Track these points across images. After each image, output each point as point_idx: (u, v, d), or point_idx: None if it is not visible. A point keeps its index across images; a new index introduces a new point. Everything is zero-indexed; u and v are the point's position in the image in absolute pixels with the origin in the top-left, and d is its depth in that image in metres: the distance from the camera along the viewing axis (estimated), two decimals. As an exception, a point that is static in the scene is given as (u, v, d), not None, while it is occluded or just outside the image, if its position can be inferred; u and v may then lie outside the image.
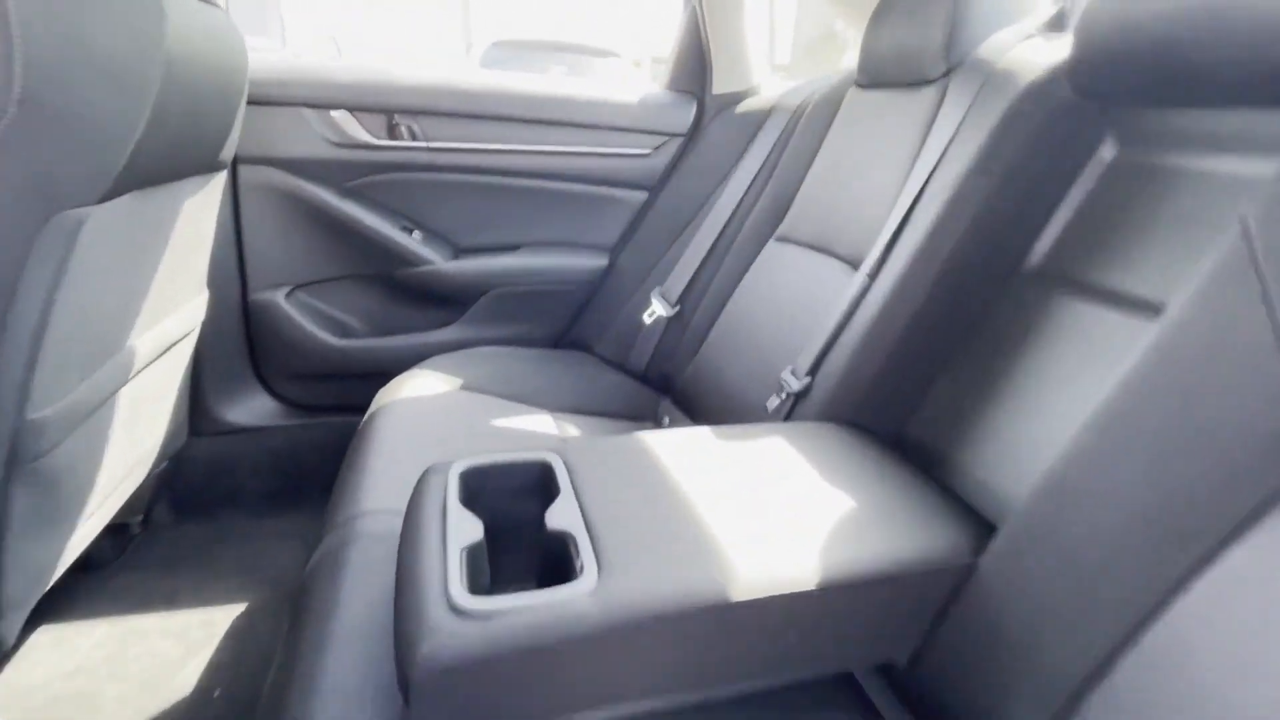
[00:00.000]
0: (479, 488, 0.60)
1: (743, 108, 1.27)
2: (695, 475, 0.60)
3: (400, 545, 0.52)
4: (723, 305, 1.12)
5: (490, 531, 0.53)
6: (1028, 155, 0.70)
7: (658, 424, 1.16)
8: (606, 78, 5.29)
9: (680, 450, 0.65)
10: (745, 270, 1.11)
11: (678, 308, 1.20)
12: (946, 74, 0.83)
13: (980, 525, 0.58)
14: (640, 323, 1.24)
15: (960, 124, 0.77)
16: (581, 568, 0.47)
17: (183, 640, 0.97)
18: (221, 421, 1.21)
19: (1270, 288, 0.41)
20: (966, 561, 0.54)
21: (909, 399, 0.78)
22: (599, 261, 1.33)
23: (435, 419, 0.94)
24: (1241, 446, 0.41)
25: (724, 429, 0.71)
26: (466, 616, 0.43)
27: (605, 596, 0.45)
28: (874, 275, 0.80)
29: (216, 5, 0.80)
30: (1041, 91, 0.69)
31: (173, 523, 1.21)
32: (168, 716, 0.85)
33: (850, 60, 1.07)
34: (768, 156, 1.16)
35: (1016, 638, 0.50)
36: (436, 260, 1.25)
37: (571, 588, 0.45)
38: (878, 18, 0.93)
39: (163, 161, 0.69)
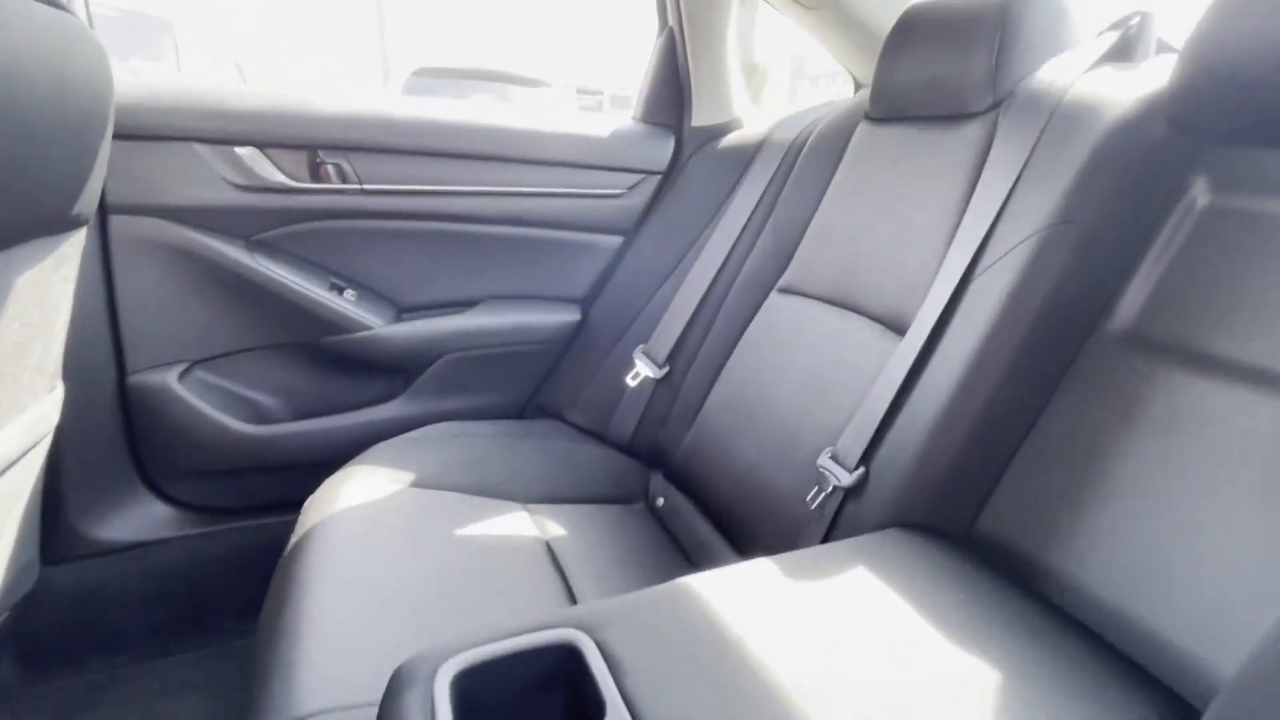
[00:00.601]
0: (475, 692, 0.41)
1: (726, 142, 1.14)
2: (770, 641, 0.43)
3: None
4: (721, 366, 0.96)
5: None
6: (1118, 199, 0.59)
7: (650, 506, 0.99)
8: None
9: (737, 602, 0.48)
10: (745, 326, 0.96)
11: (667, 368, 1.04)
12: (994, 106, 0.72)
13: (1145, 686, 0.44)
14: (622, 386, 1.07)
15: (1026, 164, 0.65)
16: None
17: None
18: (93, 541, 0.94)
19: None
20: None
21: (985, 490, 0.65)
22: (570, 316, 1.15)
23: (383, 537, 0.73)
24: None
25: (781, 559, 0.55)
26: None
27: None
28: (931, 344, 0.67)
29: (66, 10, 0.58)
30: (1134, 126, 0.58)
31: (25, 683, 0.92)
32: None
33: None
34: (762, 196, 1.03)
35: None
36: (375, 324, 1.03)
37: None
38: (895, 45, 0.82)
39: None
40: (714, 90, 1.13)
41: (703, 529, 0.89)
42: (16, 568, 0.77)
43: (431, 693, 0.39)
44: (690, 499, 0.94)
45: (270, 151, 0.94)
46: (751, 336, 0.95)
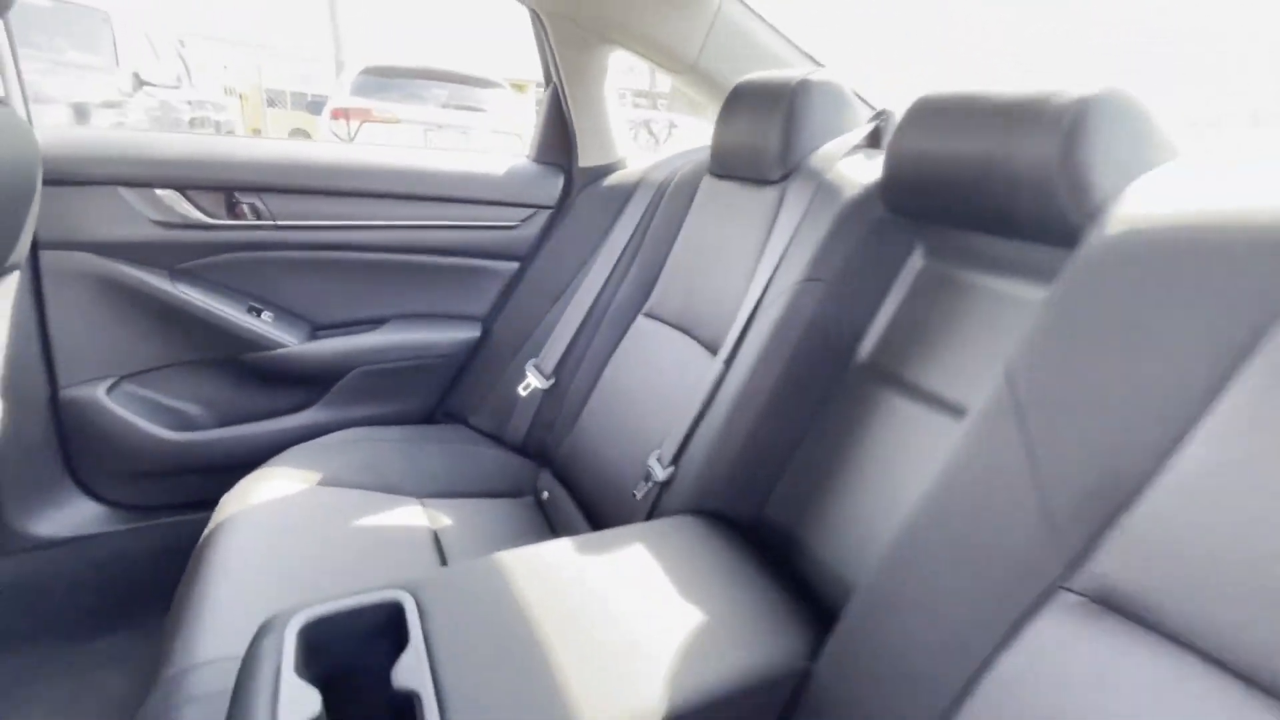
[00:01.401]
0: (321, 639, 0.56)
1: (610, 180, 1.30)
2: (552, 602, 0.60)
3: (231, 710, 0.47)
4: (597, 377, 1.13)
5: (336, 688, 0.50)
6: (852, 262, 0.77)
7: (537, 498, 1.14)
8: (494, 108, 5.22)
9: (538, 573, 0.64)
10: (618, 343, 1.13)
11: (553, 380, 1.20)
12: (784, 178, 0.89)
13: (818, 625, 0.62)
14: (516, 395, 1.22)
15: (796, 229, 0.83)
16: None
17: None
18: (29, 536, 1.05)
19: (1030, 433, 0.48)
20: (803, 665, 0.57)
21: (766, 484, 0.82)
22: (471, 333, 1.30)
23: (288, 528, 0.87)
24: (1003, 564, 0.47)
25: (585, 538, 0.71)
26: None
27: None
28: (729, 363, 0.84)
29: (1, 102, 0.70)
30: (861, 206, 0.77)
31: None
32: None
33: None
34: (634, 230, 1.19)
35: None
36: (290, 341, 1.16)
37: None
38: (725, 114, 0.99)
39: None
40: (596, 135, 1.29)
41: (576, 518, 1.05)
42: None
43: (282, 638, 0.54)
44: (569, 492, 1.10)
45: (189, 192, 1.06)
46: (621, 353, 1.11)
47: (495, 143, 4.97)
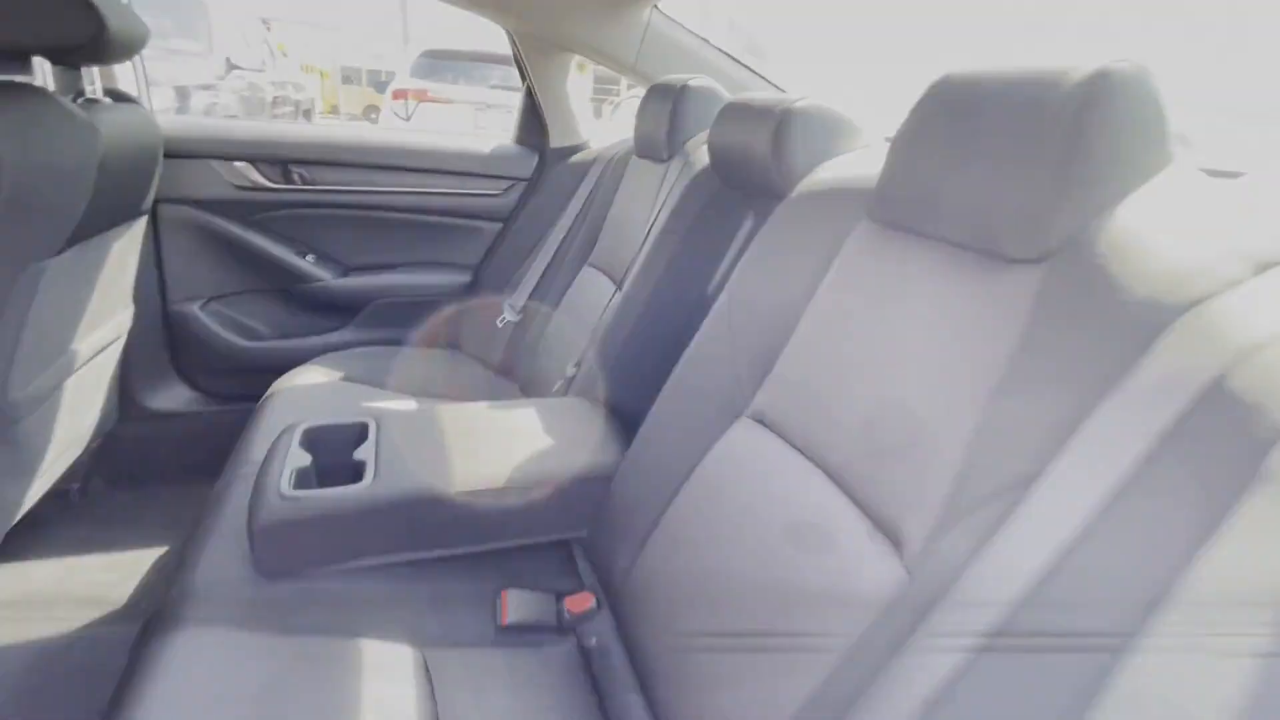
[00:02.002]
0: (320, 439, 0.93)
1: (576, 158, 1.63)
2: (463, 427, 0.95)
3: (261, 467, 0.85)
4: (551, 314, 1.47)
5: (327, 464, 0.87)
6: (699, 220, 1.08)
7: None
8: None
9: (462, 415, 1.00)
10: (568, 287, 1.46)
11: (521, 315, 1.55)
12: (669, 158, 1.20)
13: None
14: (495, 326, 1.58)
15: (668, 197, 1.14)
16: (366, 477, 0.82)
17: (117, 571, 1.26)
18: (145, 408, 1.50)
19: (731, 321, 0.79)
20: (613, 470, 0.91)
21: (644, 381, 1.15)
22: (464, 278, 1.66)
23: (313, 406, 1.26)
24: (711, 401, 0.78)
25: (500, 404, 1.06)
26: (286, 500, 0.77)
27: (373, 490, 0.80)
28: (619, 288, 1.16)
29: (135, 101, 1.10)
30: (704, 180, 1.07)
31: (105, 490, 1.49)
32: (103, 623, 1.15)
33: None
34: (589, 197, 1.52)
35: (633, 507, 0.86)
36: (327, 277, 1.56)
37: (355, 486, 0.80)
38: (640, 108, 1.29)
39: (96, 222, 1.00)
40: (563, 122, 1.62)
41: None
42: (103, 414, 1.32)
43: (294, 435, 0.91)
44: (522, 395, 1.46)
45: (258, 164, 1.46)
46: (569, 297, 1.45)
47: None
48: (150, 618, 0.76)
